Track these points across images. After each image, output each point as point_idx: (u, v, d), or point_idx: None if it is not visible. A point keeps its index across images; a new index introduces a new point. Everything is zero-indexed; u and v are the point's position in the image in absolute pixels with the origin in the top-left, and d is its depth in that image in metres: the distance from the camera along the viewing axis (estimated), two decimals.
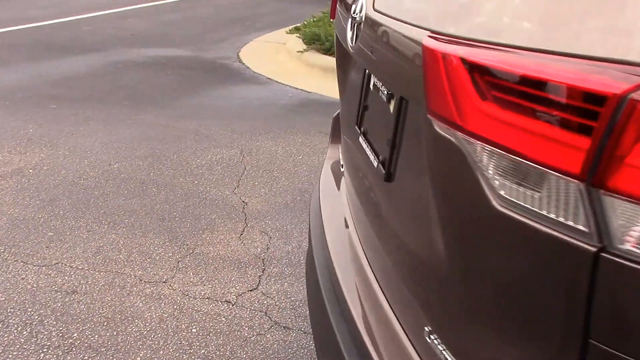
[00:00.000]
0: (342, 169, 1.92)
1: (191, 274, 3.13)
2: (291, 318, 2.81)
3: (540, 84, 0.78)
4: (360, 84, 1.62)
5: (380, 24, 1.27)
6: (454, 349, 1.06)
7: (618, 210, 0.72)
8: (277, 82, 6.91)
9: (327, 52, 7.38)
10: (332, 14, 1.88)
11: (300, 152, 4.78)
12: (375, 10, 1.32)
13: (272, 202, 3.95)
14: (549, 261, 0.81)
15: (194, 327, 2.73)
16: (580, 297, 0.77)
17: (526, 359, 0.90)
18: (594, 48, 0.75)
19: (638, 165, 0.69)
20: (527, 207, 0.83)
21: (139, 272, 3.12)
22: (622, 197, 0.71)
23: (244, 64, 7.63)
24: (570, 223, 0.76)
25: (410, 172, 1.27)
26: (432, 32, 1.03)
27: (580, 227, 0.75)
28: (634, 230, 0.71)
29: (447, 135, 0.96)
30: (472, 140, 0.90)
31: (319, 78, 6.97)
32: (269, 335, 2.70)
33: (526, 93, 0.81)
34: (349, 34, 1.48)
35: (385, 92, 1.37)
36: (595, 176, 0.72)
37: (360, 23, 1.39)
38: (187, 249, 3.36)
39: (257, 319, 2.80)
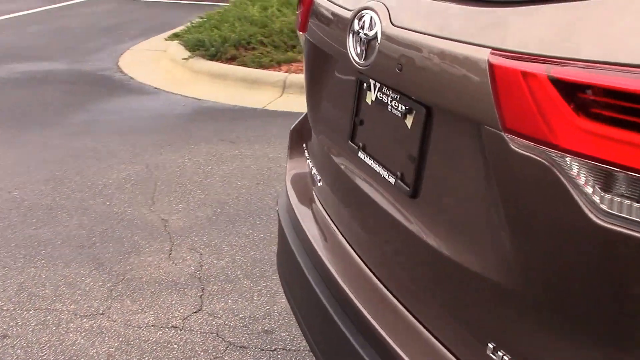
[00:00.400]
0: (319, 183, 1.89)
1: (128, 301, 2.98)
2: (245, 336, 2.74)
3: None
4: (351, 98, 1.59)
5: (411, 41, 1.24)
6: None
7: None
8: (165, 91, 6.70)
9: (213, 57, 7.24)
10: (302, 27, 1.83)
11: (208, 163, 4.67)
12: (395, 26, 1.30)
13: (193, 217, 3.83)
14: None
15: (147, 358, 2.59)
16: None
17: None
18: None
19: None
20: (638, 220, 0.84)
21: (72, 306, 2.93)
22: None
23: (126, 74, 7.34)
24: None
25: (443, 187, 1.26)
26: (495, 49, 1.01)
27: None
28: None
29: (528, 153, 0.96)
30: (568, 156, 0.90)
31: (207, 85, 6.84)
32: (226, 358, 2.61)
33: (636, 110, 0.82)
34: (355, 50, 1.44)
35: (402, 108, 1.35)
36: None
37: (374, 39, 1.36)
38: (117, 276, 3.18)
39: (210, 341, 2.71)
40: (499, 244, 1.08)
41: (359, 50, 1.42)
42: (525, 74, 0.94)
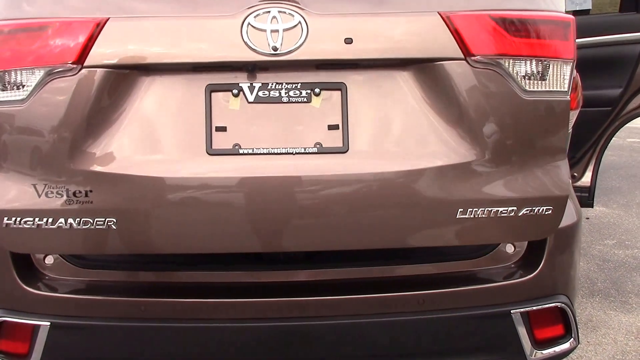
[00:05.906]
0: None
1: None
2: None
3: None
4: (197, 110, 1.75)
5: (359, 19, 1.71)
6: None
7: None
8: None
9: None
10: (77, 58, 1.73)
11: None
12: (323, 14, 1.68)
13: None
14: None
15: None
16: None
17: None
18: None
19: None
20: None
21: None
22: None
23: None
24: None
25: (374, 130, 1.74)
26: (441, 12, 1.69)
27: None
28: None
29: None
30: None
31: None
32: None
33: None
34: (261, 45, 1.66)
35: (306, 93, 1.70)
36: None
37: (297, 26, 1.65)
38: None
39: None
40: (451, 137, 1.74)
41: (273, 43, 1.65)
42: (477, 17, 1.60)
